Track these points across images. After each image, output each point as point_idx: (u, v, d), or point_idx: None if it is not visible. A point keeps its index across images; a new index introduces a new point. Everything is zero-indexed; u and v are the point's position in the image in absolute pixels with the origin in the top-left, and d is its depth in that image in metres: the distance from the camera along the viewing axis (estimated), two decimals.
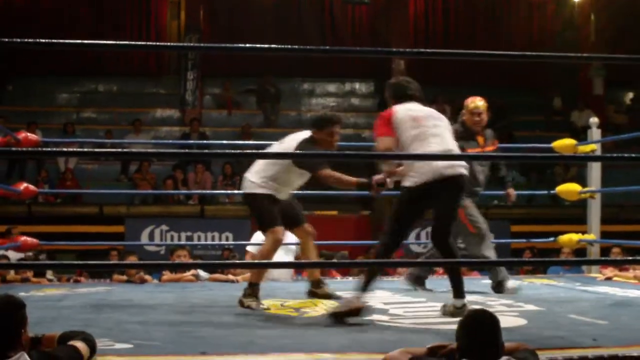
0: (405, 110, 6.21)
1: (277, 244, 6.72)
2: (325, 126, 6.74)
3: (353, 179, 6.47)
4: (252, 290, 6.58)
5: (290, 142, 6.75)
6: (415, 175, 6.01)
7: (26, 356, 3.58)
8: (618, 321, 5.72)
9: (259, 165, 6.84)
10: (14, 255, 11.53)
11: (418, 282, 7.95)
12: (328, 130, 6.72)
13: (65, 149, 5.59)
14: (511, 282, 7.64)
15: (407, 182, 6.07)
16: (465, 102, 7.88)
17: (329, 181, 6.57)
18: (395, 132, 6.10)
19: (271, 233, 6.69)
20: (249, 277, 6.88)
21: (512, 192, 8.23)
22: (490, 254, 7.62)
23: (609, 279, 8.89)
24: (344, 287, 8.27)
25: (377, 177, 6.17)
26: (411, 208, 6.14)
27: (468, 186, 6.44)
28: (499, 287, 7.63)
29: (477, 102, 7.78)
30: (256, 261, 6.60)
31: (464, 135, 7.48)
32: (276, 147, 6.91)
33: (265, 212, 6.77)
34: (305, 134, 6.79)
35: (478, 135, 7.77)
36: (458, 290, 6.12)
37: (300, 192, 7.50)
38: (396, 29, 20.96)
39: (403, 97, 6.37)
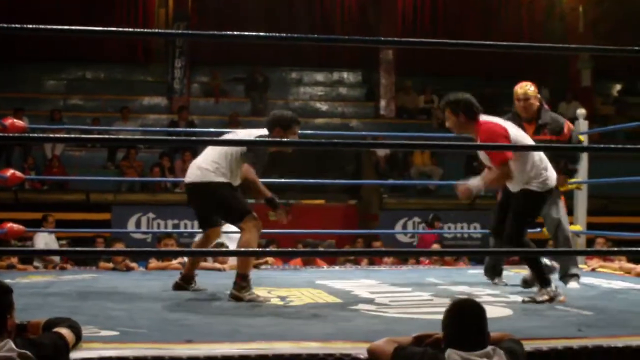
0: (511, 126, 6.40)
1: (259, 228, 6.44)
2: (290, 126, 6.58)
3: (267, 192, 6.47)
4: (247, 282, 6.30)
5: (245, 137, 6.60)
6: (545, 181, 6.37)
7: (11, 343, 3.57)
8: (603, 312, 5.74)
9: (211, 154, 6.53)
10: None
11: (494, 272, 7.78)
12: (292, 130, 6.58)
13: (52, 135, 5.54)
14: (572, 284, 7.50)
15: (540, 187, 6.37)
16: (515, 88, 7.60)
17: (248, 179, 6.42)
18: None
19: (250, 220, 6.37)
20: (238, 269, 6.38)
21: (560, 179, 7.75)
22: None
23: (594, 270, 8.93)
24: (330, 275, 8.30)
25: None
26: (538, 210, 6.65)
27: None
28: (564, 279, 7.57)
29: (523, 87, 7.51)
30: (249, 249, 6.46)
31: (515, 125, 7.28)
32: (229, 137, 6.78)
33: (234, 201, 6.49)
34: (260, 131, 6.60)
35: (528, 124, 7.46)
36: (541, 280, 6.36)
37: (288, 180, 7.45)
38: (385, 19, 21.00)
39: (479, 110, 6.45)
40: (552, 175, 6.46)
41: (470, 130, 6.43)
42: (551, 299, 6.18)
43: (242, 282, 6.27)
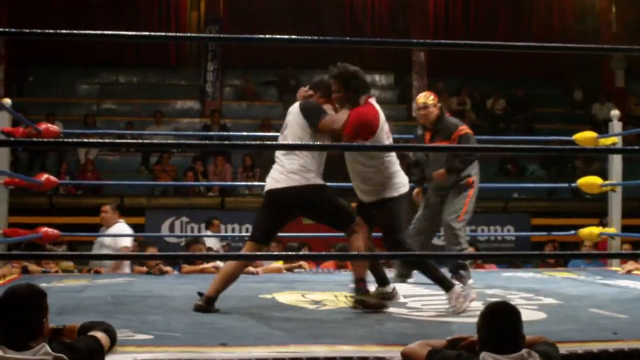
0: (381, 113, 6.20)
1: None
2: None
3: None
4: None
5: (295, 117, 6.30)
6: (404, 184, 6.16)
7: (47, 347, 3.60)
8: (638, 315, 5.70)
9: (301, 158, 6.00)
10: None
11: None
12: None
13: (86, 140, 5.56)
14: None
15: (403, 191, 6.15)
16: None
17: (336, 131, 5.97)
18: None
19: (356, 226, 6.09)
20: (357, 273, 6.05)
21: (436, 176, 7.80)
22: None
23: (629, 272, 8.85)
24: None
25: None
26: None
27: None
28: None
29: (423, 97, 7.95)
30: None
31: (421, 131, 7.94)
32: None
33: (341, 205, 6.09)
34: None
35: (428, 131, 7.84)
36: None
37: None
38: (416, 20, 20.96)
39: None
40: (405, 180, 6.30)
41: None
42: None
43: (364, 286, 6.03)
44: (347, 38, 5.52)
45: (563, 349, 4.04)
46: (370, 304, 5.92)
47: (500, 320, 3.70)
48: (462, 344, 3.87)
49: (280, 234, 8.56)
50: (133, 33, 4.29)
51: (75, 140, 8.44)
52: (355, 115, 5.95)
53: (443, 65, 21.07)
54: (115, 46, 20.02)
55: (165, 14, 21.63)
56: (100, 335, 3.90)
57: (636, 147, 7.14)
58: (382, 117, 6.09)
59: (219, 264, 8.76)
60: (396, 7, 21.81)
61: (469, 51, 20.44)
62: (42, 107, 17.64)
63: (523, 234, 15.48)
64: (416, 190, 7.94)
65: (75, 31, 4.15)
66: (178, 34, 4.59)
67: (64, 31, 4.10)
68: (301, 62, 20.48)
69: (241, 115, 20.09)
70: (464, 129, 7.73)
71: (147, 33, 4.56)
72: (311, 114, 6.18)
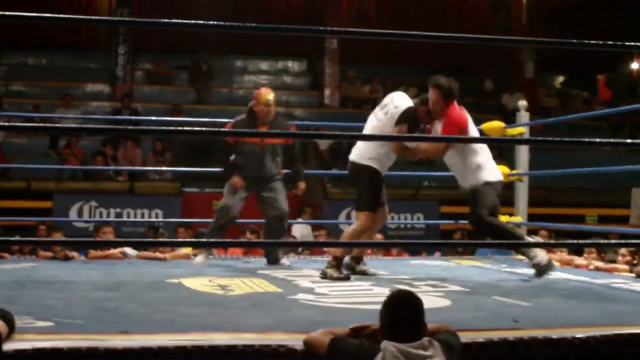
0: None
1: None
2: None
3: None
4: (337, 263, 7.10)
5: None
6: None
7: None
8: (541, 303, 5.79)
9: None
10: None
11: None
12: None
13: None
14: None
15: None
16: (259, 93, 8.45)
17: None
18: None
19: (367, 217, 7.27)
20: (334, 252, 7.26)
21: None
22: None
23: None
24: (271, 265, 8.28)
25: None
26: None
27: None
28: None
29: (271, 94, 8.45)
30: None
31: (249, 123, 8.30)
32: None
33: (370, 195, 7.37)
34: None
35: (263, 125, 8.33)
36: None
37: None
38: (330, 7, 20.98)
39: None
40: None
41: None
42: None
43: (331, 261, 7.14)
44: (261, 24, 5.45)
45: (465, 337, 4.06)
46: (333, 277, 6.95)
47: (402, 308, 3.71)
48: (365, 332, 3.88)
49: (186, 220, 8.51)
50: (40, 15, 4.20)
51: None
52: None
53: (355, 52, 21.12)
54: (23, 27, 19.62)
55: None
56: None
57: (541, 139, 7.22)
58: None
59: (126, 249, 8.72)
60: None
61: (383, 40, 20.46)
62: None
63: (432, 222, 15.66)
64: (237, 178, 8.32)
65: None
66: (86, 17, 4.47)
67: None
68: (215, 46, 20.39)
69: (152, 100, 19.93)
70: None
71: (54, 15, 4.45)
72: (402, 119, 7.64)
